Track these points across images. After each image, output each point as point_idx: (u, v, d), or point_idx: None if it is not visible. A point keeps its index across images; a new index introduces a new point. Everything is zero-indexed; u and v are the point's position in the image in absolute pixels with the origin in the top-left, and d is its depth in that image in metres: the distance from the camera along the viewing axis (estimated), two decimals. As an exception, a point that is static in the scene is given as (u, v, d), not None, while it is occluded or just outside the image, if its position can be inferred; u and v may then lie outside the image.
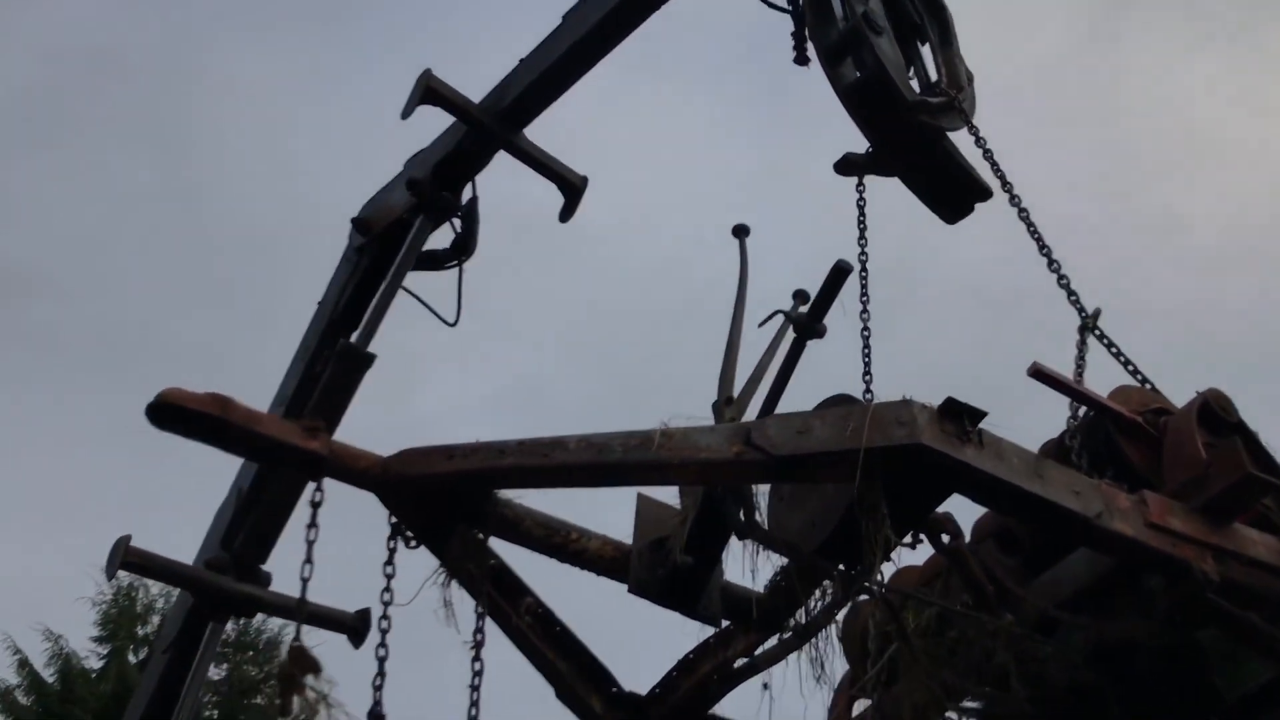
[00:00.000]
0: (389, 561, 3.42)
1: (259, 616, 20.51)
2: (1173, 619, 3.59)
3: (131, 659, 18.16)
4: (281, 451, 3.29)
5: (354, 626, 5.12)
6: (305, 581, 3.25)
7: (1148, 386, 4.43)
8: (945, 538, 3.73)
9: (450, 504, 3.53)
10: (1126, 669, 3.75)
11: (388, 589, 3.38)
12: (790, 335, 3.97)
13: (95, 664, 18.55)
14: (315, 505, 3.34)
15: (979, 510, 4.37)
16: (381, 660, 3.26)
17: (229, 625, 5.62)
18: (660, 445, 3.31)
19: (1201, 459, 3.59)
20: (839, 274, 3.92)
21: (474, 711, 3.38)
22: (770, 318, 4.10)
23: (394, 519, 3.48)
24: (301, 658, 3.12)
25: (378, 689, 3.20)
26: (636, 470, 3.38)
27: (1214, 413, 3.85)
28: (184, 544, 5.49)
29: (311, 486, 5.03)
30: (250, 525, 5.11)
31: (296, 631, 3.21)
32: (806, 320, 3.88)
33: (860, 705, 4.86)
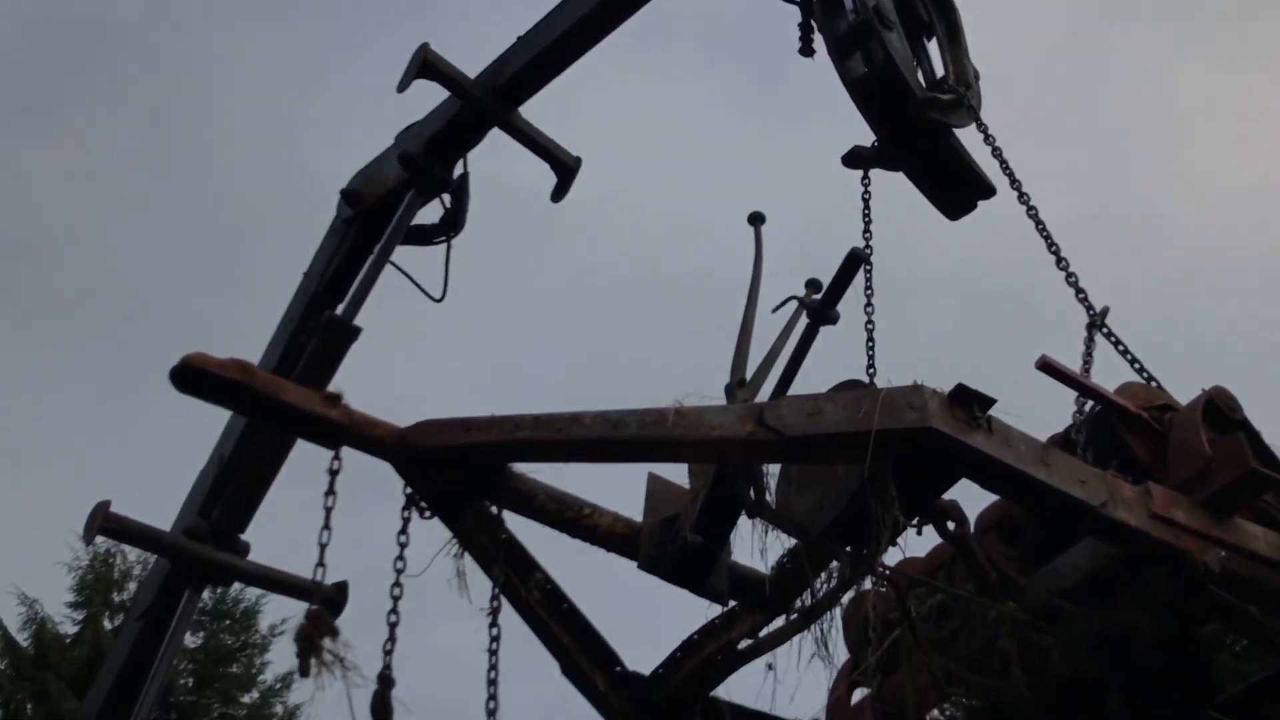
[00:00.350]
0: (403, 531, 3.47)
1: (236, 585, 20.63)
2: (1174, 610, 3.65)
3: (107, 625, 18.27)
4: (302, 419, 3.34)
5: (330, 598, 5.14)
6: (323, 548, 3.30)
7: (1153, 384, 4.50)
8: (951, 525, 3.79)
9: (465, 476, 3.58)
10: (1126, 659, 3.80)
11: (400, 557, 3.43)
12: (803, 321, 4.03)
13: (70, 629, 18.66)
14: (333, 474, 3.38)
15: (980, 503, 4.45)
16: (393, 626, 3.31)
17: (205, 594, 5.63)
18: (675, 423, 3.36)
19: (1205, 454, 3.64)
20: (854, 261, 3.98)
21: (492, 675, 3.45)
22: (784, 303, 4.16)
23: (409, 489, 3.54)
24: (320, 621, 3.16)
25: (388, 653, 3.25)
26: (651, 446, 3.43)
27: (1218, 409, 3.91)
28: (163, 512, 5.52)
29: (296, 449, 5.06)
30: (230, 494, 5.12)
31: (315, 596, 3.25)
32: (820, 307, 3.93)
33: (860, 693, 4.93)
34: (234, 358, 3.27)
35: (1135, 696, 3.79)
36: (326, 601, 5.15)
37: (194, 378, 3.24)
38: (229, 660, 19.84)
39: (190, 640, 19.42)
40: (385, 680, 3.14)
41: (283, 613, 21.11)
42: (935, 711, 4.15)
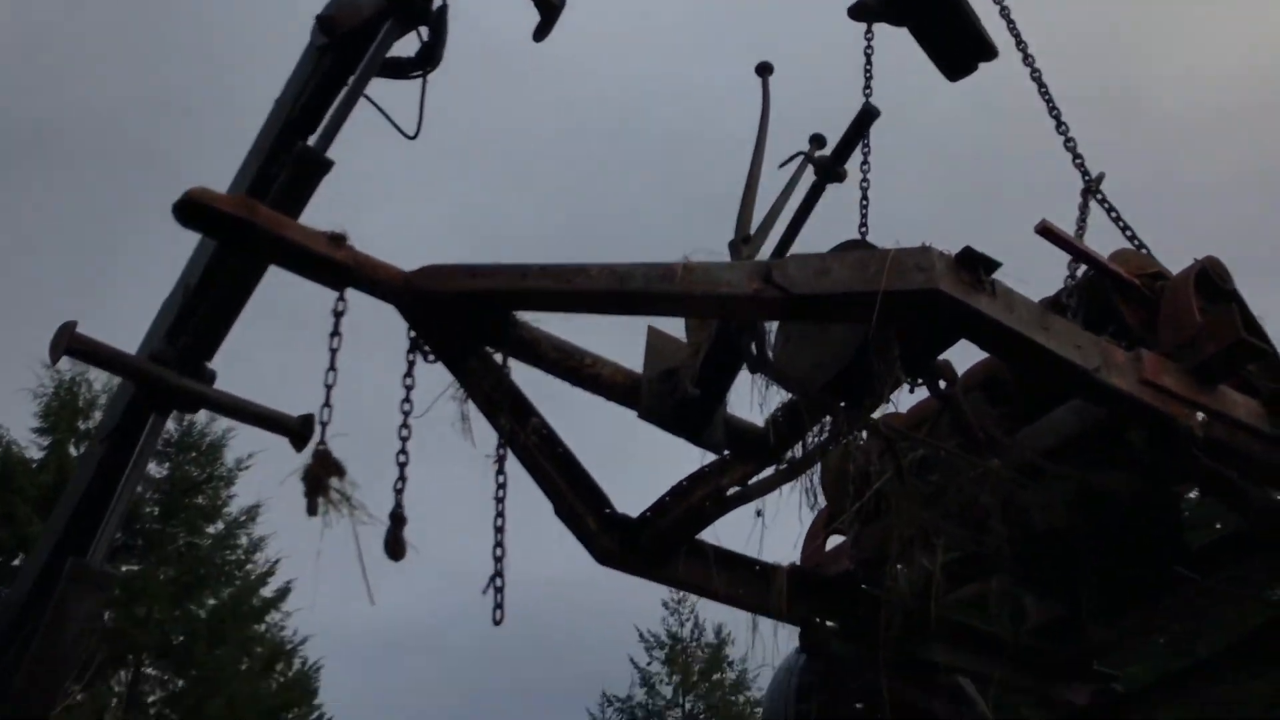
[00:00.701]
0: (408, 374, 3.50)
1: (203, 419, 20.79)
2: (1155, 472, 3.78)
3: (72, 452, 18.47)
4: (307, 259, 3.30)
5: (297, 430, 5.14)
6: (329, 389, 3.31)
7: (1144, 252, 4.56)
8: (942, 384, 3.87)
9: (469, 322, 3.58)
10: (1103, 518, 3.95)
11: (407, 400, 3.46)
12: (809, 178, 4.00)
13: (36, 455, 18.86)
14: (338, 315, 3.36)
15: (961, 362, 4.54)
16: (402, 466, 3.37)
17: (171, 424, 5.58)
18: (682, 278, 3.37)
19: (1196, 322, 3.72)
20: (866, 117, 3.93)
21: (500, 521, 3.54)
22: (792, 159, 4.11)
23: (413, 333, 3.54)
24: (326, 461, 3.20)
25: (399, 492, 3.31)
26: (657, 301, 3.44)
27: (1210, 279, 3.97)
28: (129, 344, 5.44)
29: (265, 281, 4.98)
30: (196, 322, 5.06)
31: (321, 435, 3.27)
32: (829, 163, 3.90)
33: (834, 541, 5.11)
34: (239, 194, 3.21)
35: (1110, 552, 3.96)
36: (292, 433, 5.18)
37: (196, 212, 3.18)
38: (194, 492, 20.18)
39: (156, 471, 19.67)
40: (398, 519, 3.20)
41: (249, 447, 21.35)
42: (912, 561, 4.30)
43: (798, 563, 4.97)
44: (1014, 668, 4.75)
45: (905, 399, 4.34)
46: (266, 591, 21.94)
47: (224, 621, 20.05)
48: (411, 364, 3.50)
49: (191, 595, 19.94)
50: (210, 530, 20.92)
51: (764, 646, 4.45)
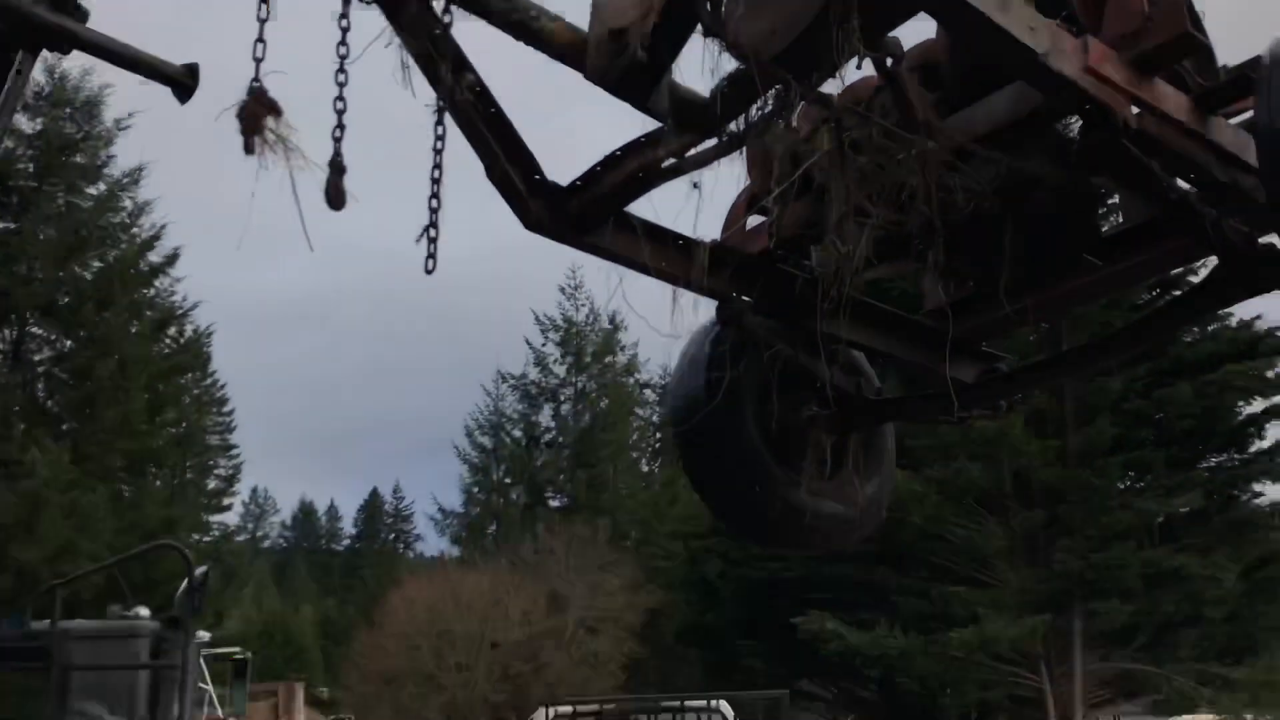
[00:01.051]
0: (344, 15, 3.31)
1: (77, 72, 19.51)
2: (1082, 161, 3.89)
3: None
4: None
5: (180, 80, 4.86)
6: (263, 23, 3.13)
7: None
8: (889, 61, 3.84)
9: (409, -39, 3.37)
10: (1026, 204, 4.08)
11: (343, 42, 3.30)
12: None
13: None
14: None
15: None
16: (340, 113, 3.26)
17: (40, 75, 5.17)
18: (641, -77, 3.19)
19: (1144, 12, 3.71)
20: None
21: (436, 174, 3.50)
22: None
23: (348, -30, 3.33)
24: (262, 99, 3.06)
25: (338, 140, 3.22)
26: (612, -50, 3.26)
27: (1161, -30, 3.93)
28: None
29: None
30: None
31: (256, 71, 3.11)
32: None
33: (754, 220, 5.18)
34: None
35: (1028, 236, 4.13)
36: (175, 83, 4.86)
37: None
38: (72, 150, 19.23)
39: (28, 126, 18.58)
40: (337, 167, 3.13)
41: (128, 106, 20.25)
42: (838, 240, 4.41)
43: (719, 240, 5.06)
44: (909, 345, 5.04)
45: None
46: (154, 257, 21.56)
47: (111, 284, 19.74)
48: (346, 3, 3.31)
49: (74, 257, 19.48)
50: (91, 191, 20.17)
51: (682, 318, 4.60)
